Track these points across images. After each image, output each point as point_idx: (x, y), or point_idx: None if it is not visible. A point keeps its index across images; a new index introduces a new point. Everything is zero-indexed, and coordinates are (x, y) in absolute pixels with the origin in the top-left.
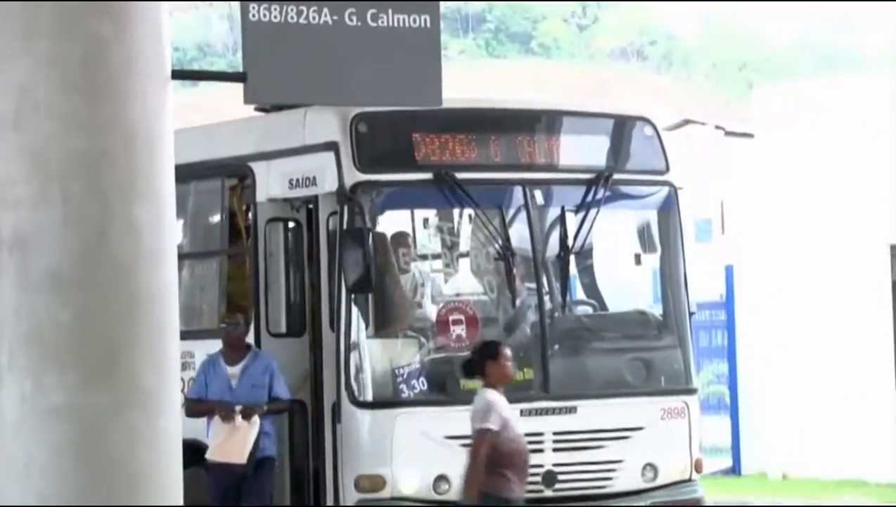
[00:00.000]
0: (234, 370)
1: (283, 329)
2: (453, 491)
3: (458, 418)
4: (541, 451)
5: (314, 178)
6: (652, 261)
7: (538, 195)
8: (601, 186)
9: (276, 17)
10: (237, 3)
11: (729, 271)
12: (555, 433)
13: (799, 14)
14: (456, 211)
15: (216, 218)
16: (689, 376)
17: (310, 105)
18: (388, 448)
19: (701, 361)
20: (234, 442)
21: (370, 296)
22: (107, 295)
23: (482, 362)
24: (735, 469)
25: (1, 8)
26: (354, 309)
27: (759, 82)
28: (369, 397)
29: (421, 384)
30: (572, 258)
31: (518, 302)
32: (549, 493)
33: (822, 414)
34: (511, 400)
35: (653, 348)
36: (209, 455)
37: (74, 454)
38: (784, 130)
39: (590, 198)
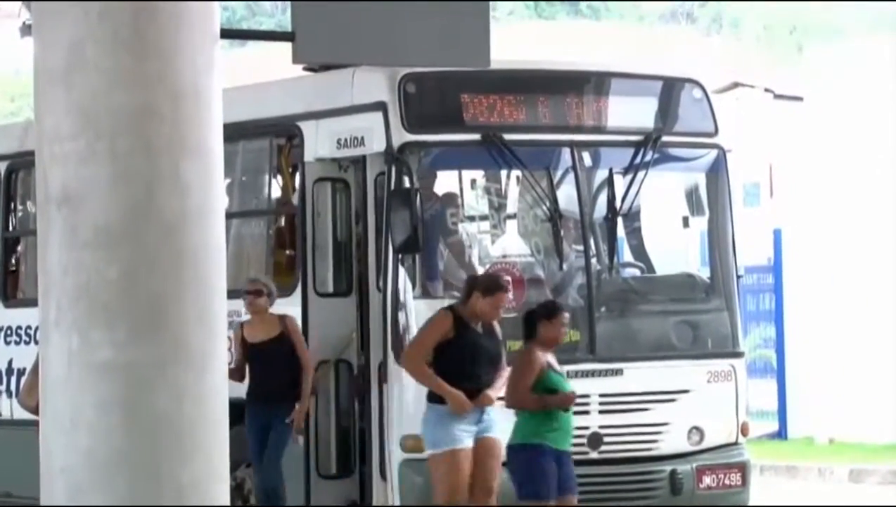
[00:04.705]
0: None
1: (330, 289)
2: None
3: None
4: (587, 413)
5: (362, 138)
6: (700, 224)
7: (586, 157)
8: (649, 147)
9: None
10: None
11: (777, 234)
12: (601, 395)
13: None
14: (504, 172)
15: (264, 177)
16: (736, 340)
17: (358, 65)
18: None
19: (748, 324)
20: None
21: (417, 256)
22: (155, 252)
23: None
24: (781, 433)
25: None
26: (401, 269)
27: (810, 45)
28: None
29: None
30: (620, 220)
31: (565, 264)
32: (594, 454)
33: (870, 378)
34: (558, 362)
35: (700, 311)
36: None
37: (121, 410)
38: (834, 93)
39: (638, 160)
